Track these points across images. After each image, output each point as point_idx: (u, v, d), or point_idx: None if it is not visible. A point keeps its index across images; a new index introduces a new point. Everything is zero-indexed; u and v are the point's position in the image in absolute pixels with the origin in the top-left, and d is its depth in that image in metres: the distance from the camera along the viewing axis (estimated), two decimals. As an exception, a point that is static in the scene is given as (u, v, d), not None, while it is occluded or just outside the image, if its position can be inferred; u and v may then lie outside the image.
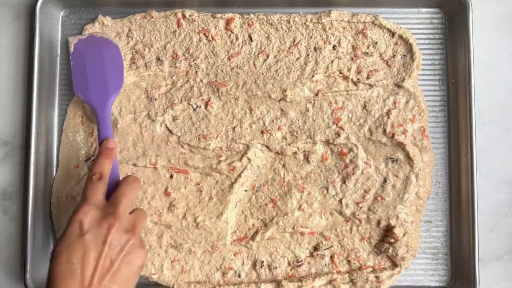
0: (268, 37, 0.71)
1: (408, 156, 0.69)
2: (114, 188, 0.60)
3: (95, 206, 0.56)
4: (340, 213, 0.69)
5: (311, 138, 0.70)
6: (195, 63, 0.71)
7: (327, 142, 0.70)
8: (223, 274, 0.69)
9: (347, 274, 0.68)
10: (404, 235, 0.68)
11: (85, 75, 0.67)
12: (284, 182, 0.70)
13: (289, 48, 0.71)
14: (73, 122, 0.72)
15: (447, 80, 0.72)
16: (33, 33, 0.70)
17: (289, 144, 0.70)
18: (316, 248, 0.69)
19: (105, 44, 0.70)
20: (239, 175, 0.69)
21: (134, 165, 0.70)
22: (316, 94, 0.70)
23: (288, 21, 0.71)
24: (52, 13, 0.72)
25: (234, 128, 0.70)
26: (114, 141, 0.64)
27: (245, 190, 0.70)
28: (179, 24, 0.71)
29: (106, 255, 0.52)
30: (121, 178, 0.62)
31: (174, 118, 0.70)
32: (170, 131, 0.70)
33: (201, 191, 0.70)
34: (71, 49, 0.68)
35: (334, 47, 0.71)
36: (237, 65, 0.71)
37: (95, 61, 0.68)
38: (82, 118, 0.72)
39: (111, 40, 0.70)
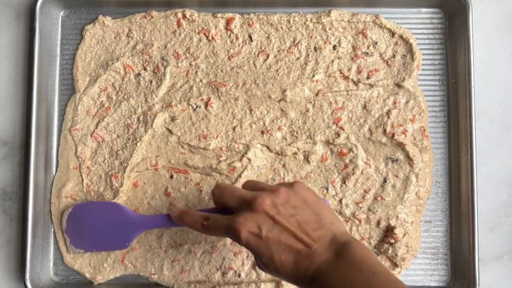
0: (268, 37, 0.71)
1: (408, 156, 0.69)
2: None
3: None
4: (340, 213, 0.69)
5: (311, 138, 0.70)
6: (196, 63, 0.71)
7: (327, 142, 0.70)
8: (223, 274, 0.69)
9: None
10: (404, 235, 0.68)
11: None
12: (284, 181, 0.70)
13: (289, 48, 0.71)
14: (71, 123, 0.72)
15: (447, 80, 0.72)
16: (33, 33, 0.70)
17: (289, 145, 0.70)
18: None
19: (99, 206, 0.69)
20: (239, 175, 0.69)
21: (135, 170, 0.70)
22: (316, 94, 0.70)
23: (288, 21, 0.71)
24: (52, 13, 0.72)
25: (234, 128, 0.70)
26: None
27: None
28: (179, 24, 0.72)
29: (289, 223, 0.52)
30: None
31: (173, 118, 0.70)
32: (170, 131, 0.70)
33: (201, 191, 0.70)
34: (64, 224, 0.69)
35: (334, 47, 0.71)
36: (237, 65, 0.71)
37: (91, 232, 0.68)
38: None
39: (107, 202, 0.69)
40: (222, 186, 0.58)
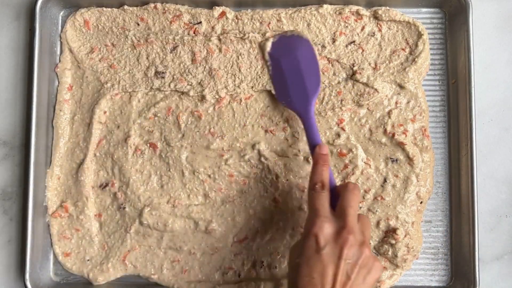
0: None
1: (408, 156, 0.69)
2: (333, 193, 0.60)
3: (327, 219, 0.57)
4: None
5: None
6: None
7: (327, 143, 0.70)
8: (223, 274, 0.69)
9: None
10: (405, 236, 0.68)
11: (285, 82, 0.67)
12: (286, 181, 0.70)
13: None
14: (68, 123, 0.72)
15: (447, 80, 0.72)
16: (33, 33, 0.70)
17: (290, 146, 0.70)
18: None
19: (297, 41, 0.68)
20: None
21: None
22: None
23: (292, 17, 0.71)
24: (52, 13, 0.72)
25: (238, 128, 0.70)
26: (326, 146, 0.64)
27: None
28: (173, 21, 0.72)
29: (343, 269, 0.54)
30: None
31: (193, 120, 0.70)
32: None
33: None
34: (267, 57, 0.69)
35: (334, 42, 0.71)
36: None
37: (291, 64, 0.67)
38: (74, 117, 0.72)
39: (301, 35, 0.69)
40: (353, 186, 0.60)
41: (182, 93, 0.71)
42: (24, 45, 0.73)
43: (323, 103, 0.70)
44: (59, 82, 0.72)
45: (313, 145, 0.64)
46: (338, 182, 0.69)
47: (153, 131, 0.71)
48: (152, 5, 0.71)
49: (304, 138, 0.69)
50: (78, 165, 0.71)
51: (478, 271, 0.67)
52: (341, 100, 0.70)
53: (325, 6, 0.71)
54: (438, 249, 0.71)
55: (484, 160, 0.71)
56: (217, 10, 0.71)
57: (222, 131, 0.70)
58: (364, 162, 0.69)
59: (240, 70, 0.70)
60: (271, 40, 0.69)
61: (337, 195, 0.60)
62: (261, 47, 0.69)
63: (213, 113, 0.70)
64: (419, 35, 0.70)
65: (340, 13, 0.71)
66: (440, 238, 0.71)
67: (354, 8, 0.71)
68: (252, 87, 0.70)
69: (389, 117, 0.70)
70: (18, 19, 0.74)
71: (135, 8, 0.72)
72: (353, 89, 0.70)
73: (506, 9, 0.74)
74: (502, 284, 0.71)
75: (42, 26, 0.70)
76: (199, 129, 0.70)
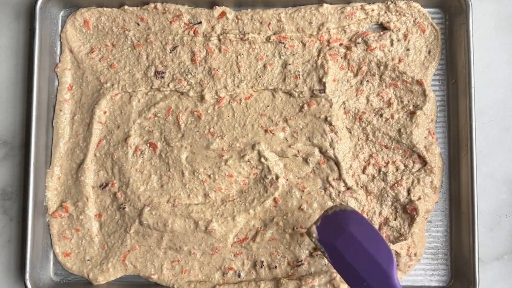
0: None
1: (421, 159, 0.69)
2: None
3: None
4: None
5: (310, 141, 0.69)
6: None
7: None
8: (223, 274, 0.69)
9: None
10: (408, 248, 0.68)
11: (350, 265, 0.57)
12: (286, 181, 0.70)
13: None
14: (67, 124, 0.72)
15: (447, 80, 0.72)
16: (33, 33, 0.70)
17: (290, 146, 0.70)
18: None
19: (343, 217, 0.60)
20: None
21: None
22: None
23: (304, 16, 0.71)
24: (52, 13, 0.72)
25: (238, 127, 0.70)
26: None
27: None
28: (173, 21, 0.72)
29: None
30: None
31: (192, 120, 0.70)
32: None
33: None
34: (318, 245, 0.60)
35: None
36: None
37: (348, 243, 0.58)
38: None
39: (344, 209, 0.61)
40: None
41: (182, 93, 0.71)
42: (24, 45, 0.73)
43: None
44: (59, 82, 0.72)
45: None
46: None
47: (153, 131, 0.71)
48: (152, 5, 0.71)
49: (304, 138, 0.69)
50: (78, 165, 0.71)
51: (478, 271, 0.67)
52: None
53: (325, 5, 0.71)
54: (438, 249, 0.71)
55: (484, 160, 0.71)
56: (217, 10, 0.71)
57: (222, 130, 0.70)
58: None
59: (239, 70, 0.70)
60: (314, 226, 0.61)
61: None
62: (309, 235, 0.61)
63: (212, 112, 0.70)
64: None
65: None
66: (440, 238, 0.71)
67: None
68: (252, 87, 0.70)
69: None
70: (18, 19, 0.74)
71: (135, 8, 0.72)
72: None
73: (506, 9, 0.74)
74: (502, 284, 0.71)
75: (42, 26, 0.70)
76: (199, 129, 0.70)
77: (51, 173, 0.71)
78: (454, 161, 0.71)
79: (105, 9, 0.72)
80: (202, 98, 0.70)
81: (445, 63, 0.72)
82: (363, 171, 0.69)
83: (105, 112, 0.71)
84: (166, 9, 0.71)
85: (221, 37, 0.70)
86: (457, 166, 0.71)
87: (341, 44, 0.70)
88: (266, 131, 0.70)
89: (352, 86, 0.70)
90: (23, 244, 0.68)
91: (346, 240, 0.58)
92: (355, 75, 0.70)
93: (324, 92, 0.69)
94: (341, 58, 0.70)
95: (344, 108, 0.70)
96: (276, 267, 0.69)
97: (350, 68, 0.70)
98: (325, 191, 0.69)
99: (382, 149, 0.70)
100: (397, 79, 0.70)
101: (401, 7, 0.70)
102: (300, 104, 0.70)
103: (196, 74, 0.70)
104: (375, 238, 0.58)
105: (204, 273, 0.69)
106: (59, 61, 0.72)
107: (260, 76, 0.70)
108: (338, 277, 0.68)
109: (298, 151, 0.69)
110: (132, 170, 0.70)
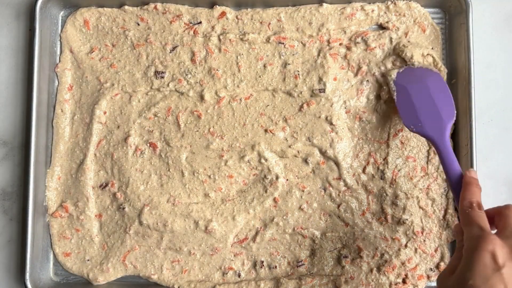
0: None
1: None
2: None
3: (498, 237, 0.52)
4: (338, 216, 0.69)
5: (310, 141, 0.69)
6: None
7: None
8: (223, 274, 0.69)
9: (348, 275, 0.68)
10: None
11: (413, 107, 0.65)
12: (286, 181, 0.70)
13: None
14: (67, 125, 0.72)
15: (447, 80, 0.72)
16: (33, 33, 0.70)
17: (290, 146, 0.70)
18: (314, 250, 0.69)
19: (426, 72, 0.68)
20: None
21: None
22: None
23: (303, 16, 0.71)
24: (52, 13, 0.72)
25: (238, 127, 0.70)
26: (475, 171, 0.62)
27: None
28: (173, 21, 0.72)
29: None
30: None
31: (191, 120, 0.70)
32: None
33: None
34: (391, 84, 0.68)
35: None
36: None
37: (420, 91, 0.66)
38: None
39: (431, 69, 0.69)
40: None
41: (182, 93, 0.71)
42: (24, 45, 0.73)
43: None
44: (59, 82, 0.72)
45: (453, 171, 0.60)
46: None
47: (153, 131, 0.71)
48: (152, 5, 0.71)
49: (304, 139, 0.69)
50: (78, 165, 0.71)
51: (478, 271, 0.67)
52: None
53: (325, 5, 0.71)
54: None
55: (484, 160, 0.71)
56: (218, 10, 0.71)
57: (222, 130, 0.70)
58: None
59: (239, 70, 0.70)
60: (396, 70, 0.68)
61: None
62: (386, 76, 0.69)
63: (212, 112, 0.70)
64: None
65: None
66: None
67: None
68: (252, 87, 0.70)
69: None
70: (18, 19, 0.74)
71: (135, 8, 0.72)
72: None
73: (506, 9, 0.74)
74: (502, 284, 0.71)
75: (42, 26, 0.70)
76: (198, 129, 0.70)
77: (51, 173, 0.71)
78: (454, 161, 0.71)
79: (105, 9, 0.72)
80: (202, 98, 0.70)
81: (445, 63, 0.72)
82: (363, 170, 0.69)
83: (105, 112, 0.71)
84: (166, 9, 0.71)
85: (221, 37, 0.70)
86: (457, 166, 0.71)
87: (341, 44, 0.70)
88: (266, 130, 0.70)
89: (352, 86, 0.70)
90: (23, 244, 0.68)
91: (419, 87, 0.66)
92: (355, 74, 0.70)
93: (324, 91, 0.69)
94: (341, 58, 0.70)
95: (345, 108, 0.70)
96: (276, 267, 0.69)
97: (350, 68, 0.70)
98: (325, 191, 0.69)
99: (380, 146, 0.70)
100: None
101: (400, 7, 0.70)
102: (300, 104, 0.70)
103: (196, 74, 0.70)
104: (446, 97, 0.66)
105: (204, 273, 0.70)
106: (59, 61, 0.72)
107: (260, 76, 0.70)
108: (338, 277, 0.68)
109: (298, 152, 0.69)
110: (132, 170, 0.70)
